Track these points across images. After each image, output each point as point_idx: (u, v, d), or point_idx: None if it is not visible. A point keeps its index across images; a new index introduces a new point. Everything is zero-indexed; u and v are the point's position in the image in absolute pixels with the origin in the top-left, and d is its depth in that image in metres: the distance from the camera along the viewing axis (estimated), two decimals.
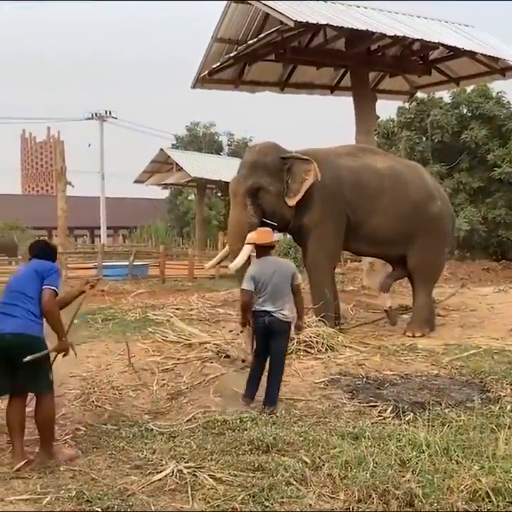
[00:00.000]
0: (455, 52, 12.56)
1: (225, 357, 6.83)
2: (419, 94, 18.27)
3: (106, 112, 35.15)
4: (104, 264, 17.57)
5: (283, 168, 8.43)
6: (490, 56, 12.23)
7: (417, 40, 11.79)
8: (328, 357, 7.00)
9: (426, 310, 9.00)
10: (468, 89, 20.10)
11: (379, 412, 5.10)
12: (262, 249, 5.56)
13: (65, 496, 3.48)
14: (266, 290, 5.29)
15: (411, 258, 9.02)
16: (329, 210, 8.56)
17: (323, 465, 3.80)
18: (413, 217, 8.85)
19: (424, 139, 20.90)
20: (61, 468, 3.92)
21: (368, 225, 8.77)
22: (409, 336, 8.49)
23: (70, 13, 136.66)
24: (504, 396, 5.44)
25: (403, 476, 3.54)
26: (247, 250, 8.22)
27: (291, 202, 8.37)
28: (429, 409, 4.94)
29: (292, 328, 5.54)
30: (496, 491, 3.37)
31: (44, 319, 4.14)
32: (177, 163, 28.08)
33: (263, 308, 5.29)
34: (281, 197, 8.41)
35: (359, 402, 5.39)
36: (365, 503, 3.36)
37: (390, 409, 5.13)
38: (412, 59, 13.69)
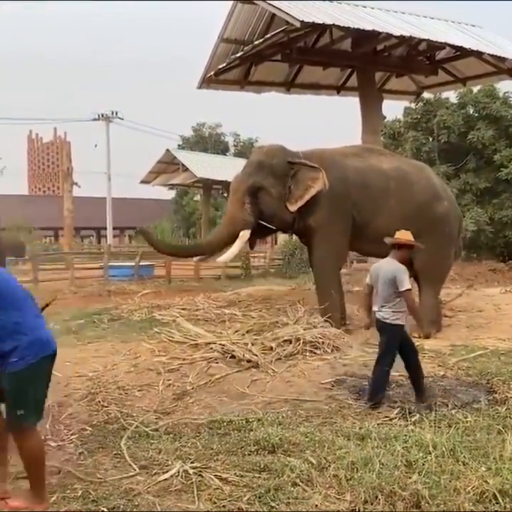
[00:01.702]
0: (462, 53, 12.54)
1: (230, 357, 6.82)
2: (426, 95, 18.27)
3: (112, 113, 35.20)
4: (110, 264, 17.62)
5: (288, 173, 8.41)
6: (497, 56, 12.20)
7: (424, 40, 11.78)
8: (334, 357, 6.98)
9: (432, 311, 8.96)
10: (475, 89, 20.06)
11: (385, 413, 5.09)
12: (389, 250, 5.67)
13: (70, 496, 3.50)
14: (375, 289, 5.57)
15: (417, 259, 8.96)
16: (335, 210, 8.54)
17: (329, 466, 3.79)
18: (419, 217, 8.81)
19: (430, 139, 20.86)
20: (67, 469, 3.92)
21: (373, 225, 8.74)
22: (415, 337, 8.44)
23: (70, 13, 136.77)
24: (511, 397, 5.41)
25: (409, 477, 3.53)
26: (237, 246, 8.15)
27: (293, 208, 8.34)
28: (436, 411, 4.92)
29: (407, 330, 5.47)
30: (502, 492, 3.36)
31: None
32: (183, 164, 28.15)
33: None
34: (282, 201, 8.38)
35: (365, 403, 5.38)
36: (372, 504, 3.35)
37: (396, 410, 5.12)
38: (419, 59, 13.67)
